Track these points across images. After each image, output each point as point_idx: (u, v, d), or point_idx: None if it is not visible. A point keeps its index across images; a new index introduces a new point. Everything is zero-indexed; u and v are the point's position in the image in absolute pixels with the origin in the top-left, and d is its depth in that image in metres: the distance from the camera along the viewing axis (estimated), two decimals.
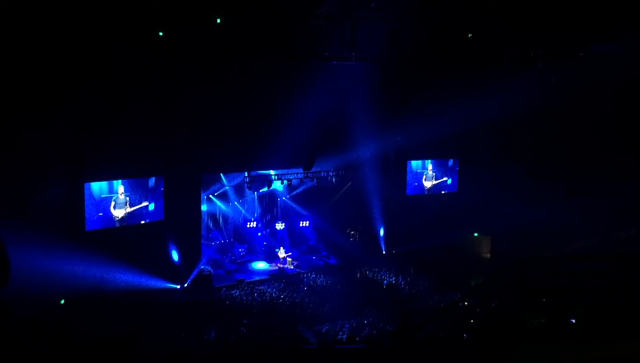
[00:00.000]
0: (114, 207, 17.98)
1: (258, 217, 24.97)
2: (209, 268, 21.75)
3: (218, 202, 23.88)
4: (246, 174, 22.56)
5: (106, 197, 17.86)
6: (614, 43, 20.61)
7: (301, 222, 25.33)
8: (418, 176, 24.07)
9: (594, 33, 19.87)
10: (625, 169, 20.22)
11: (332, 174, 23.49)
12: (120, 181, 18.17)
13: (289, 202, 25.25)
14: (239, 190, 24.01)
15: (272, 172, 23.13)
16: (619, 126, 20.71)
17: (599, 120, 20.50)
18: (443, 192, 24.50)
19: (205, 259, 21.78)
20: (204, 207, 22.47)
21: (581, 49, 21.45)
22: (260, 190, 24.35)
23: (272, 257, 23.67)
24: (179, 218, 19.57)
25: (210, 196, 23.41)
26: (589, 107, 20.41)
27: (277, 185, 23.72)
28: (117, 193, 18.09)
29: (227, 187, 23.74)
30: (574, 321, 10.32)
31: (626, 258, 8.84)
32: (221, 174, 23.14)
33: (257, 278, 21.81)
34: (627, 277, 8.76)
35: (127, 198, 18.32)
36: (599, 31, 19.56)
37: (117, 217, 18.12)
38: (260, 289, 20.70)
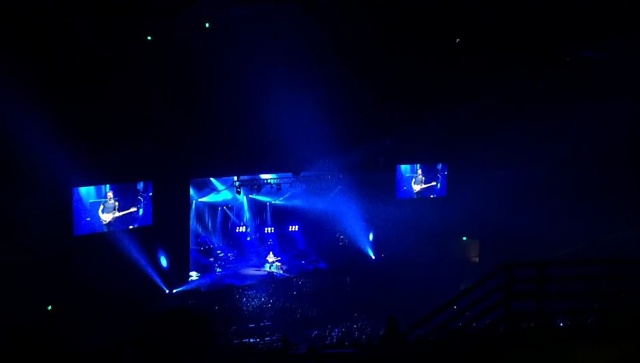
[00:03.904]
0: (102, 211, 17.87)
1: (247, 221, 24.92)
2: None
3: (211, 199, 23.76)
4: (235, 178, 22.51)
5: (94, 202, 17.74)
6: (602, 50, 20.83)
7: (290, 227, 25.29)
8: (407, 180, 24.13)
9: (583, 39, 20.06)
10: (615, 173, 20.40)
11: (322, 179, 23.49)
12: (108, 186, 18.06)
13: (278, 206, 25.22)
14: (229, 195, 23.94)
15: (261, 176, 23.11)
16: (608, 131, 20.88)
17: (588, 124, 20.66)
18: (432, 196, 24.57)
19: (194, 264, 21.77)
20: (192, 212, 22.43)
21: (569, 54, 21.66)
22: (250, 195, 24.34)
23: (261, 262, 23.61)
24: (167, 223, 19.47)
25: (200, 200, 23.33)
26: (578, 113, 20.55)
27: (267, 194, 23.79)
28: (106, 198, 17.98)
29: (216, 192, 23.66)
30: (562, 325, 10.38)
31: (612, 263, 8.92)
32: (211, 178, 23.07)
33: (246, 283, 21.74)
34: (614, 281, 8.83)
35: (116, 203, 18.21)
36: (587, 37, 19.75)
37: (105, 222, 18.00)
38: (249, 294, 20.63)
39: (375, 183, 23.30)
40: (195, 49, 17.61)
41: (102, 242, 17.84)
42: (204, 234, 23.89)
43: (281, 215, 25.24)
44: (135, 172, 18.66)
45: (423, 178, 24.31)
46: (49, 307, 16.39)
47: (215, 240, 24.09)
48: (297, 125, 19.32)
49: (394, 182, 23.86)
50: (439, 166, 24.69)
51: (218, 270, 22.42)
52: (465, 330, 9.10)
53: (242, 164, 21.33)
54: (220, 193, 23.69)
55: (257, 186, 23.10)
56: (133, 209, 18.62)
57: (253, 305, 20.06)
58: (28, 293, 15.37)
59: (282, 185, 23.30)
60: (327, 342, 16.24)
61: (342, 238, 24.65)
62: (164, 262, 19.61)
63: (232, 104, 19.08)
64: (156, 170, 18.95)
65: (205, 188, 23.32)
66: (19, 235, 15.64)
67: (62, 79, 15.64)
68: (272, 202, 25.18)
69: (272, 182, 23.10)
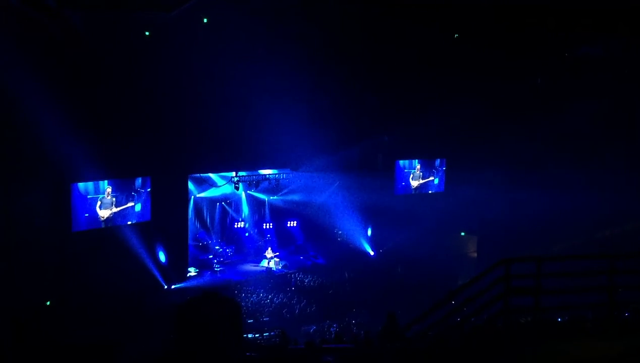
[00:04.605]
0: (100, 207, 17.84)
1: (246, 217, 24.92)
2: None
3: (209, 194, 23.72)
4: (234, 174, 22.50)
5: (93, 198, 17.71)
6: (599, 47, 20.87)
7: (289, 222, 25.29)
8: (405, 176, 24.15)
9: (579, 35, 20.09)
10: (610, 170, 20.43)
11: (320, 174, 23.49)
12: (106, 181, 18.03)
13: (276, 202, 25.22)
14: (227, 190, 23.91)
15: (260, 172, 23.11)
16: (604, 126, 20.91)
17: (583, 120, 20.70)
18: (430, 191, 24.61)
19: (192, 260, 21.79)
20: (191, 207, 22.44)
21: (567, 50, 21.68)
22: (248, 191, 24.33)
23: (259, 258, 23.61)
24: (165, 219, 19.46)
25: (199, 195, 23.30)
26: (575, 107, 20.59)
27: (265, 189, 23.78)
28: (104, 193, 17.95)
29: (215, 187, 23.63)
30: (560, 320, 10.41)
31: (610, 258, 8.94)
32: (209, 174, 23.04)
33: (244, 278, 21.75)
34: (611, 276, 8.85)
35: (114, 199, 18.18)
36: (583, 33, 19.77)
37: (103, 218, 17.97)
38: (248, 290, 20.65)
39: (373, 179, 23.31)
40: (194, 45, 17.60)
41: (100, 237, 17.83)
42: (202, 230, 23.89)
43: (280, 211, 25.23)
44: (133, 167, 18.63)
45: (421, 173, 24.34)
46: (48, 303, 16.39)
47: (214, 236, 24.08)
48: (295, 121, 19.32)
49: (392, 177, 23.88)
50: (437, 162, 24.72)
51: (217, 266, 22.41)
52: (464, 325, 9.13)
53: (241, 160, 21.33)
54: (220, 188, 23.67)
55: (256, 182, 23.09)
56: (130, 204, 18.60)
57: (252, 301, 20.07)
58: (27, 288, 15.38)
59: (280, 180, 23.28)
60: (325, 338, 16.29)
61: (340, 234, 24.67)
62: (162, 257, 19.61)
63: (230, 100, 19.04)
64: (155, 166, 18.93)
65: (204, 183, 23.30)
66: (18, 231, 15.63)
67: (61, 75, 15.60)
68: (271, 197, 25.17)
69: (270, 178, 23.08)
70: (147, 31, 17.16)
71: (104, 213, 17.98)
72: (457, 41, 20.71)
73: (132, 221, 18.79)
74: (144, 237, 18.88)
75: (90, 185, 17.69)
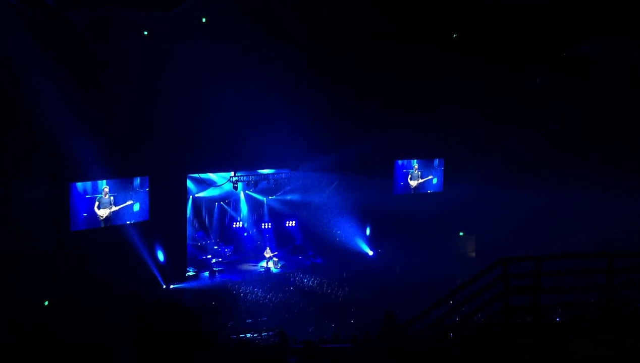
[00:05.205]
0: (98, 207, 17.82)
1: (244, 217, 24.90)
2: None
3: (208, 194, 23.70)
4: (232, 174, 22.49)
5: (91, 197, 17.70)
6: (597, 45, 20.86)
7: (287, 222, 25.29)
8: (404, 175, 24.16)
9: (577, 34, 20.10)
10: (609, 170, 20.43)
11: (318, 174, 23.48)
12: (105, 181, 18.01)
13: (275, 201, 25.22)
14: (226, 189, 23.89)
15: (258, 171, 23.09)
16: (603, 126, 20.91)
17: (583, 119, 20.69)
18: (429, 191, 24.62)
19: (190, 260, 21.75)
20: (189, 207, 22.42)
21: (567, 50, 21.69)
22: (247, 191, 24.32)
23: (258, 257, 23.60)
24: (164, 218, 19.44)
25: (197, 195, 23.29)
26: (574, 107, 20.60)
27: (264, 189, 23.77)
28: (102, 193, 17.93)
29: (215, 186, 23.61)
30: (558, 320, 10.41)
31: (608, 257, 8.92)
32: (209, 174, 23.02)
33: (243, 278, 21.73)
34: (610, 275, 8.83)
35: (112, 198, 18.16)
36: (581, 33, 19.78)
37: (102, 217, 17.95)
38: (246, 290, 20.63)
39: (372, 178, 23.31)
40: (192, 44, 17.59)
41: (99, 237, 17.80)
42: (201, 230, 23.87)
43: (278, 211, 25.24)
44: (132, 167, 18.62)
45: (419, 173, 24.35)
46: (46, 302, 16.36)
47: (213, 236, 24.06)
48: (294, 121, 19.32)
49: (391, 177, 23.90)
50: (436, 162, 24.72)
51: (215, 267, 22.38)
52: (462, 324, 9.12)
53: (239, 160, 21.32)
54: (219, 188, 23.65)
55: (254, 182, 23.09)
56: (128, 203, 18.58)
57: (250, 301, 20.06)
58: (25, 288, 15.35)
59: (279, 180, 23.26)
60: (324, 337, 16.26)
61: (339, 234, 24.66)
62: (161, 257, 19.59)
63: (229, 99, 19.03)
64: (153, 166, 18.91)
65: (203, 183, 23.28)
66: (16, 230, 15.60)
67: (59, 75, 15.57)
68: (270, 197, 25.17)
69: (269, 178, 23.07)
70: (146, 30, 17.16)
71: (102, 213, 17.96)
72: (457, 41, 20.71)
73: (130, 221, 18.77)
74: (142, 236, 18.86)
75: (88, 184, 17.68)
